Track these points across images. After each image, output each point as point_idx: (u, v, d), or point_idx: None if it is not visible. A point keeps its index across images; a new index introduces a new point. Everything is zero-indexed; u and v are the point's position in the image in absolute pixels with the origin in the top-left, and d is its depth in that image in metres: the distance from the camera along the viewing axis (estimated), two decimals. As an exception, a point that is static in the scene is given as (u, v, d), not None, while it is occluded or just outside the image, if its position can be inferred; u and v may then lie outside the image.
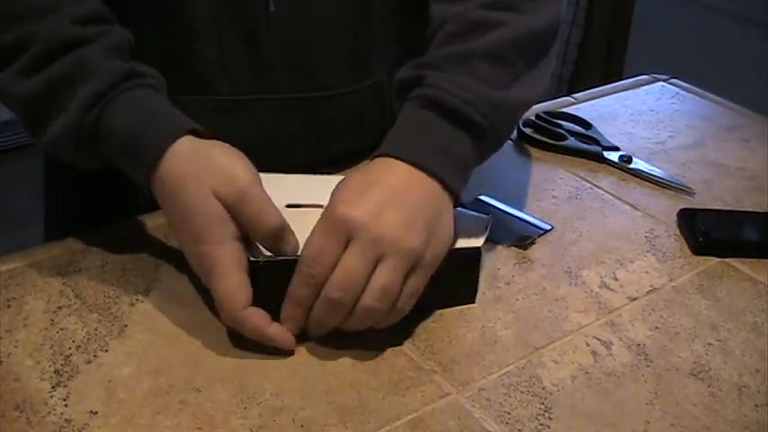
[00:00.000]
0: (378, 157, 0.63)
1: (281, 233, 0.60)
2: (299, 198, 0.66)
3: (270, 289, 0.60)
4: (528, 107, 0.72)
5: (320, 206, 0.62)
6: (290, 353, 0.60)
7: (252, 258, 0.60)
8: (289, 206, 0.65)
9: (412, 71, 0.68)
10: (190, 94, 0.75)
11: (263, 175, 0.63)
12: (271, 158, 0.72)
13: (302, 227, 0.61)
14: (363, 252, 0.57)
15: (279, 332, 0.59)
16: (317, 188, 0.66)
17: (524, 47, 0.69)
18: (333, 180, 0.64)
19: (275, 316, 0.60)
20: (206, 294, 0.65)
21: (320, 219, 0.60)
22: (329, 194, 0.61)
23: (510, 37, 0.68)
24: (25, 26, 0.64)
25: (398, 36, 0.83)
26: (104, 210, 0.74)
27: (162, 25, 0.73)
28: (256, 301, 0.59)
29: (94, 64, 0.63)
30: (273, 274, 0.60)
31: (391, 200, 0.59)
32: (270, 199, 0.60)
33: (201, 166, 0.60)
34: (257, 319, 0.59)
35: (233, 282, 0.58)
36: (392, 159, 0.62)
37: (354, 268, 0.57)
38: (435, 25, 0.71)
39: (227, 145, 0.63)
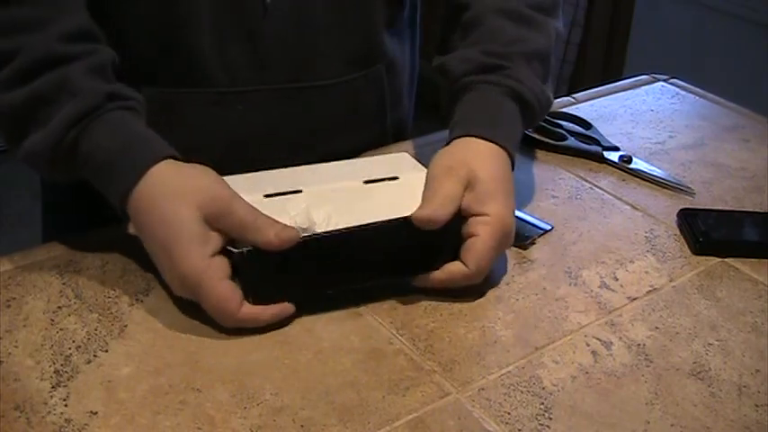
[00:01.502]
0: (469, 136, 0.70)
1: (272, 227, 0.61)
2: (276, 188, 0.68)
3: (256, 275, 0.62)
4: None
5: (298, 191, 0.67)
6: (289, 352, 0.60)
7: (235, 249, 0.61)
8: (267, 196, 0.67)
9: (488, 58, 0.75)
10: (188, 86, 0.75)
11: (240, 176, 0.67)
12: (269, 151, 0.72)
13: (283, 212, 0.63)
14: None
15: (277, 310, 0.62)
16: (289, 178, 0.70)
17: (552, 49, 0.79)
18: (304, 169, 0.69)
19: (263, 298, 0.62)
20: (206, 294, 0.65)
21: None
22: (304, 181, 0.68)
23: (549, 41, 0.79)
24: (13, 39, 0.64)
25: (395, 26, 0.83)
26: (102, 211, 0.74)
27: (160, 18, 0.73)
28: (245, 290, 0.62)
29: (78, 83, 0.64)
30: (258, 261, 0.62)
31: (503, 185, 0.68)
32: (252, 207, 0.62)
33: (180, 188, 0.62)
34: (254, 310, 0.61)
35: (223, 290, 0.60)
36: (483, 141, 0.70)
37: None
38: (477, 12, 0.77)
39: (202, 166, 0.64)
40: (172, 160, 0.64)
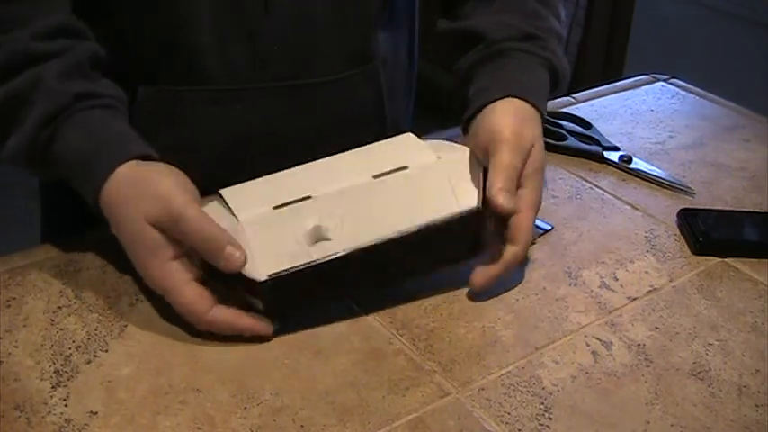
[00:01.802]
0: (522, 99, 0.72)
1: (220, 250, 0.60)
2: (284, 195, 0.66)
3: (277, 298, 0.61)
4: None
5: (307, 197, 0.64)
6: (287, 352, 0.60)
7: (258, 279, 0.60)
8: (276, 208, 0.65)
9: (530, 28, 0.78)
10: (188, 85, 0.75)
11: (247, 184, 0.65)
12: (269, 149, 0.72)
13: (300, 221, 0.62)
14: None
15: (252, 321, 0.61)
16: (297, 181, 0.67)
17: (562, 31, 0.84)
18: (310, 168, 0.67)
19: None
20: (206, 294, 0.65)
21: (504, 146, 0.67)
22: (312, 183, 0.65)
23: (560, 22, 0.84)
24: None
25: (393, 23, 0.83)
26: (99, 212, 0.74)
27: (160, 17, 0.73)
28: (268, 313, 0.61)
29: (49, 83, 0.64)
30: (282, 286, 0.60)
31: (545, 159, 0.71)
32: (207, 217, 0.61)
33: (136, 193, 0.61)
34: (227, 315, 0.61)
35: (189, 293, 0.60)
36: (533, 109, 0.73)
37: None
38: None
39: (169, 167, 0.64)
40: (136, 162, 0.63)
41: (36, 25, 0.65)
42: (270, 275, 0.60)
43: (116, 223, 0.62)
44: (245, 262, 0.60)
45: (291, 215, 0.64)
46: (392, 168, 0.68)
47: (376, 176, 0.67)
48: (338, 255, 0.61)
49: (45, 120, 0.63)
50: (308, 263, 0.61)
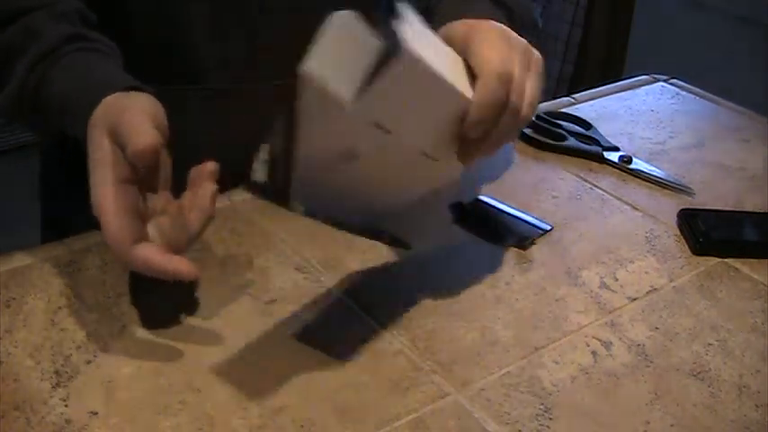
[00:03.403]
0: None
1: (149, 153, 0.56)
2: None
3: None
4: None
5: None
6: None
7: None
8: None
9: None
10: (186, 83, 0.75)
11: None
12: None
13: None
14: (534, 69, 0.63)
15: (174, 261, 0.57)
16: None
17: None
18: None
19: None
20: (206, 294, 0.65)
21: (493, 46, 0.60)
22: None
23: None
24: None
25: None
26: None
27: (157, 16, 0.73)
28: None
29: (39, 28, 0.64)
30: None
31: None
32: (146, 120, 0.57)
33: (105, 112, 0.58)
34: (147, 252, 0.56)
35: (116, 223, 0.55)
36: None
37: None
38: None
39: (150, 97, 0.61)
40: (121, 93, 0.60)
41: None
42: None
43: (88, 150, 0.58)
44: (149, 144, 0.55)
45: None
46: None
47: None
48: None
49: (34, 61, 0.62)
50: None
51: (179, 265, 0.56)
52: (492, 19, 0.67)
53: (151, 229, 0.59)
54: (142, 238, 0.57)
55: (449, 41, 0.62)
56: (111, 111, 0.58)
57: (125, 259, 0.56)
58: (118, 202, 0.56)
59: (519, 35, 0.67)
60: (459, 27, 0.64)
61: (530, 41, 0.67)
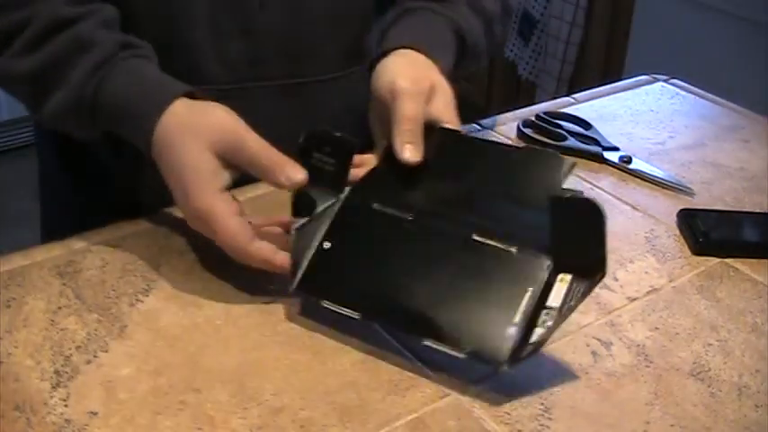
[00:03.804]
0: (407, 49, 0.73)
1: (281, 168, 0.63)
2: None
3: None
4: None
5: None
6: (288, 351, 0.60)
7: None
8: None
9: None
10: (186, 83, 0.75)
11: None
12: None
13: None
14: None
15: (286, 260, 0.63)
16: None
17: (496, 15, 0.85)
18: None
19: None
20: (206, 294, 0.65)
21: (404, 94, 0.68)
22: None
23: (494, 4, 0.85)
24: (24, 9, 0.67)
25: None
26: (98, 212, 0.74)
27: (157, 15, 0.73)
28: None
29: (91, 37, 0.66)
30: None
31: (441, 80, 0.72)
32: (264, 144, 0.63)
33: (195, 122, 0.63)
34: (266, 249, 0.62)
35: (233, 223, 0.61)
36: (419, 54, 0.73)
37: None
38: None
39: (218, 103, 0.65)
40: (186, 99, 0.65)
41: None
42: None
43: (171, 156, 0.63)
44: (304, 181, 0.63)
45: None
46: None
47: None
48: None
49: (92, 70, 0.65)
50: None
51: (285, 262, 0.63)
52: (437, 44, 0.76)
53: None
54: (254, 235, 0.62)
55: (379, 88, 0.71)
56: (209, 126, 0.63)
57: (245, 254, 0.62)
58: (229, 206, 0.62)
59: (467, 64, 0.81)
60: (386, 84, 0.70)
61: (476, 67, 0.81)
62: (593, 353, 0.63)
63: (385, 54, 0.73)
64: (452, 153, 0.67)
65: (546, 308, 0.57)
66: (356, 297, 0.61)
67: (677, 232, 0.78)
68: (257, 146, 0.63)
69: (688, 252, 0.76)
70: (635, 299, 0.69)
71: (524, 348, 0.56)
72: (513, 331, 0.57)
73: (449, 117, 0.70)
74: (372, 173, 0.68)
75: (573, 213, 0.59)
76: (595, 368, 0.61)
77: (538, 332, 0.56)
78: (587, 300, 0.68)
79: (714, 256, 0.75)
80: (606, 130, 0.95)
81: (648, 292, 0.70)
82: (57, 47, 0.66)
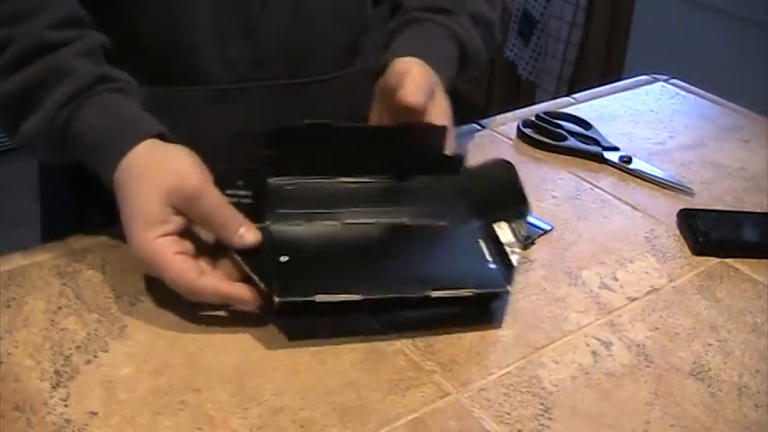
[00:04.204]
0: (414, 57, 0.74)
1: (235, 229, 0.62)
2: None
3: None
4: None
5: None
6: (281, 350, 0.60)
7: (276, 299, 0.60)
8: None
9: (440, 2, 0.81)
10: (188, 83, 0.75)
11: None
12: None
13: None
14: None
15: (241, 289, 0.61)
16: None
17: (497, 20, 0.86)
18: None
19: None
20: (206, 294, 0.65)
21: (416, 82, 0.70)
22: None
23: (494, 10, 0.86)
24: (6, 30, 0.66)
25: (387, 20, 0.84)
26: (98, 212, 0.74)
27: (159, 16, 0.73)
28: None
29: (69, 67, 0.65)
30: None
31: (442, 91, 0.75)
32: (222, 196, 0.63)
33: (155, 166, 0.63)
34: (215, 281, 0.61)
35: (178, 260, 0.60)
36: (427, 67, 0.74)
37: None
38: None
39: (185, 148, 0.65)
40: (156, 140, 0.64)
41: (49, 16, 0.66)
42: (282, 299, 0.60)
43: (126, 196, 0.63)
44: (257, 243, 0.62)
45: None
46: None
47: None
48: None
49: (66, 100, 0.65)
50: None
51: (242, 292, 0.61)
52: (442, 58, 0.77)
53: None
54: (201, 271, 0.61)
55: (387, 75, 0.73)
56: (167, 172, 0.62)
57: (194, 291, 0.60)
58: (172, 246, 0.61)
59: (467, 73, 0.83)
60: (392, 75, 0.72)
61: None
62: (593, 353, 0.63)
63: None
64: (344, 148, 0.69)
65: (505, 245, 0.67)
66: (344, 285, 0.61)
67: (677, 232, 0.78)
68: (213, 201, 0.62)
69: (688, 252, 0.76)
70: (635, 299, 0.69)
71: (512, 272, 0.65)
72: (494, 266, 0.66)
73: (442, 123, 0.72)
74: (281, 191, 0.68)
75: (486, 174, 0.71)
76: (595, 368, 0.61)
77: (515, 258, 0.66)
78: (587, 300, 0.68)
79: (714, 256, 0.75)
80: (606, 130, 0.95)
81: (648, 292, 0.70)
82: (35, 72, 0.65)
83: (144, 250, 0.61)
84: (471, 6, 0.82)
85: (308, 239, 0.66)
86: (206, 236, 0.65)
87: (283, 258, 0.63)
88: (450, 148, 0.71)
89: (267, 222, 0.66)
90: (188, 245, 0.62)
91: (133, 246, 0.62)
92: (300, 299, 0.60)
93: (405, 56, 0.75)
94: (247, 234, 0.62)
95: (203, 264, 0.62)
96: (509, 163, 0.72)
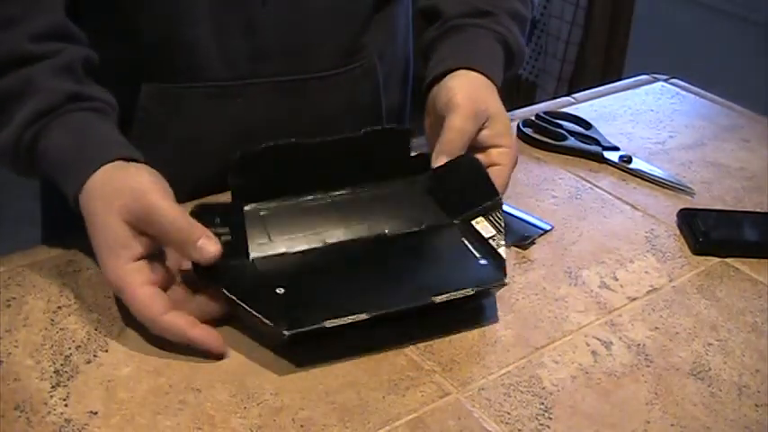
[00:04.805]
0: (471, 69, 0.76)
1: (193, 241, 0.58)
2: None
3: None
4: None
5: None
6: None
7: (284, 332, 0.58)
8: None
9: (481, 4, 0.82)
10: (188, 81, 0.75)
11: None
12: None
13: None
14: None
15: (205, 333, 0.59)
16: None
17: (529, 15, 0.88)
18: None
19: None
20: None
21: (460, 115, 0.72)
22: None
23: (527, 7, 0.87)
24: None
25: (387, 18, 0.84)
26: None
27: (159, 13, 0.73)
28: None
29: (41, 83, 0.64)
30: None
31: (508, 119, 0.76)
32: (180, 209, 0.59)
33: (112, 189, 0.60)
34: (180, 321, 0.58)
35: (144, 293, 0.58)
36: (483, 77, 0.77)
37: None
38: None
39: (149, 168, 0.62)
40: (121, 162, 0.62)
41: (28, 26, 0.65)
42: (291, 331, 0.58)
43: (91, 221, 0.61)
44: (218, 254, 0.59)
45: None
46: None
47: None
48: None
49: (33, 117, 0.63)
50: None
51: (208, 337, 0.59)
52: (491, 62, 0.78)
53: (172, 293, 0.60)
54: (169, 306, 0.58)
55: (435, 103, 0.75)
56: (122, 191, 0.59)
57: (157, 327, 0.58)
58: (139, 277, 0.58)
59: (512, 72, 0.84)
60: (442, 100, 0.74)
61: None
62: (593, 353, 0.63)
63: (444, 74, 0.76)
64: (312, 163, 0.69)
65: (488, 239, 0.68)
66: (347, 306, 0.60)
67: (677, 232, 0.78)
68: (170, 215, 0.58)
69: (688, 252, 0.76)
70: (635, 299, 0.69)
71: (504, 263, 0.65)
72: (485, 262, 0.66)
73: (507, 142, 0.73)
74: (258, 219, 0.67)
75: (452, 171, 0.71)
76: (595, 368, 0.61)
77: (502, 250, 0.66)
78: (587, 299, 0.68)
79: (714, 255, 0.75)
80: (606, 130, 0.95)
81: (648, 292, 0.70)
82: (9, 83, 0.64)
83: (110, 280, 0.59)
84: (507, 5, 0.83)
85: (299, 267, 0.65)
86: (180, 261, 0.62)
87: (280, 290, 0.61)
88: (502, 184, 0.72)
89: (252, 257, 0.64)
90: (159, 273, 0.60)
91: (103, 273, 0.60)
92: (310, 328, 0.58)
93: (453, 65, 0.76)
94: (207, 245, 0.58)
95: (179, 292, 0.60)
96: (474, 157, 0.72)
